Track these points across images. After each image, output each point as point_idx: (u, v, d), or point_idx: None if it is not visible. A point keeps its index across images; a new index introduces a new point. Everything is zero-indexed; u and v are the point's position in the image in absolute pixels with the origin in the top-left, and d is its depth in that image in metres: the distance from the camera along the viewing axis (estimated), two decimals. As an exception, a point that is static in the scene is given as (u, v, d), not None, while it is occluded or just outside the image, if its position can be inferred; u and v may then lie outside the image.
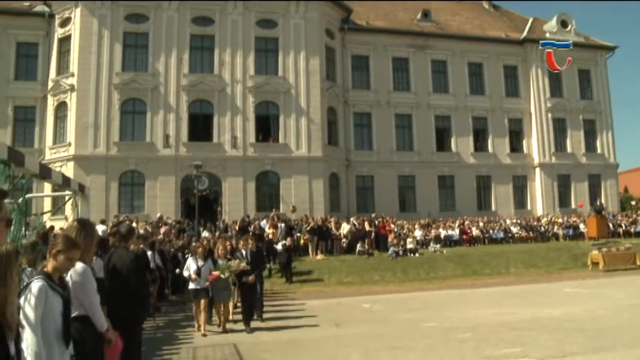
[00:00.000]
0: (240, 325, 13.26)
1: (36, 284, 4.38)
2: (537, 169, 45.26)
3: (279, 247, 24.07)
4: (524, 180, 45.51)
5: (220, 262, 13.18)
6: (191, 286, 12.94)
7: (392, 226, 33.58)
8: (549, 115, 45.92)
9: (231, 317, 13.89)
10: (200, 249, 13.37)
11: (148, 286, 11.46)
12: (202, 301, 12.74)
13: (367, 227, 31.92)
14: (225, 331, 12.75)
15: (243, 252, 13.99)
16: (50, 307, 4.41)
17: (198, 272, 12.80)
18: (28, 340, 4.32)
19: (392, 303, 17.08)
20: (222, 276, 12.72)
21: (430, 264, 26.33)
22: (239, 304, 14.69)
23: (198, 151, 35.41)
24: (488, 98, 45.07)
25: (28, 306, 4.31)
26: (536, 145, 45.41)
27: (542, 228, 39.34)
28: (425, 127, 43.52)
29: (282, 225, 29.36)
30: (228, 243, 15.66)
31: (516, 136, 46.00)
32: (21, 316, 4.29)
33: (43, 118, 37.86)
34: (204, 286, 12.76)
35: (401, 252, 29.15)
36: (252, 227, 27.46)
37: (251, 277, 13.34)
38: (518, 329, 11.78)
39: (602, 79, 48.49)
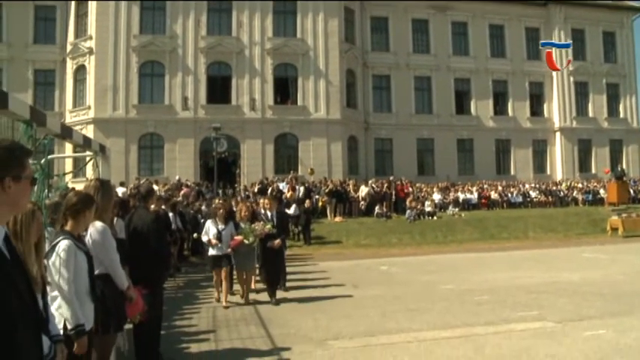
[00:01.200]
0: (263, 296, 12.07)
1: (63, 243, 4.49)
2: (558, 134, 44.80)
3: (291, 210, 23.72)
4: (544, 144, 45.08)
5: (243, 225, 11.76)
6: (211, 252, 11.69)
7: (410, 189, 33.56)
8: (571, 78, 45.23)
9: (253, 286, 12.66)
10: (221, 211, 11.85)
11: (169, 246, 11.60)
12: (224, 270, 11.48)
13: (385, 190, 31.93)
14: (248, 302, 11.54)
15: (269, 214, 12.36)
16: (78, 265, 4.53)
17: (218, 237, 11.47)
18: (62, 298, 4.46)
19: (409, 265, 17.19)
20: (245, 241, 11.35)
21: (448, 227, 26.37)
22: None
23: (216, 114, 35.45)
24: (509, 61, 44.44)
25: (58, 265, 4.42)
26: (557, 109, 44.86)
27: (562, 193, 39.08)
28: (444, 90, 43.11)
29: (301, 187, 29.44)
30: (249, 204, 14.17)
31: (537, 100, 45.46)
32: (54, 276, 4.42)
33: (63, 81, 38.03)
34: (225, 252, 11.51)
35: (419, 215, 29.17)
36: (271, 189, 27.55)
37: (277, 242, 11.81)
38: (535, 293, 11.82)
39: (627, 41, 47.53)
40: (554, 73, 43.68)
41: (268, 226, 11.64)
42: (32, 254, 3.41)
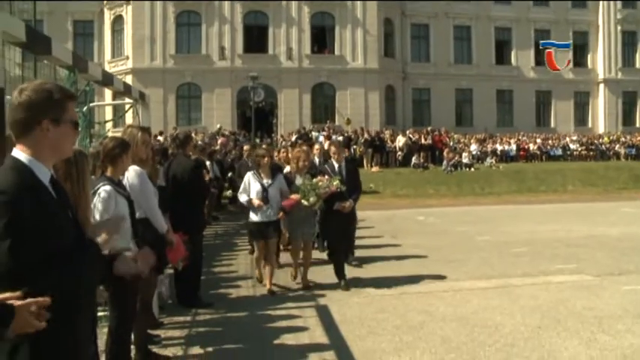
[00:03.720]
0: (320, 276, 9.07)
1: (104, 188, 4.59)
2: (601, 85, 43.65)
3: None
4: (586, 96, 44.06)
5: (299, 179, 8.73)
6: (253, 217, 8.35)
7: (447, 139, 33.28)
8: (619, 27, 43.70)
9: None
10: (266, 159, 8.41)
11: (208, 193, 11.47)
12: (271, 242, 8.45)
13: (423, 140, 31.73)
14: (308, 286, 8.60)
15: (335, 165, 8.77)
16: (119, 209, 4.62)
17: (264, 196, 8.20)
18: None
19: (446, 216, 17.14)
20: (304, 202, 8.25)
21: (485, 179, 26.14)
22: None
23: (253, 63, 35.38)
24: (552, 9, 43.12)
25: (101, 210, 4.53)
26: (601, 60, 43.59)
27: (603, 146, 38.29)
28: (484, 40, 42.23)
29: (340, 137, 29.38)
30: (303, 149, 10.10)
31: (580, 50, 44.21)
32: (97, 218, 4.53)
33: (101, 32, 38.29)
34: (272, 217, 8.31)
35: (456, 166, 28.96)
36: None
37: (348, 203, 8.49)
38: (573, 246, 11.72)
39: (678, -13, 45.60)
40: (600, 22, 42.31)
41: (336, 181, 8.32)
42: (85, 196, 3.49)
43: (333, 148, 9.20)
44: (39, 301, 1.99)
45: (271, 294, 8.21)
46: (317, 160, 10.81)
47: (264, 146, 11.55)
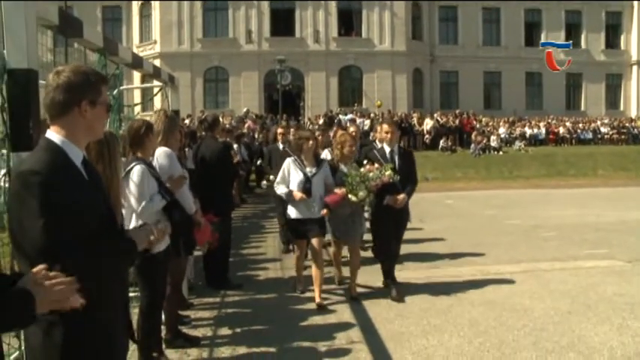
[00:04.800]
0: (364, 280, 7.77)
1: (137, 168, 4.67)
2: (635, 67, 42.74)
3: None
4: (618, 79, 43.22)
5: (344, 168, 7.09)
6: (292, 213, 7.03)
7: (475, 122, 32.98)
8: (654, 7, 42.61)
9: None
10: (311, 142, 7.04)
11: (237, 175, 11.47)
12: (315, 240, 6.93)
13: (450, 123, 31.51)
14: (355, 296, 7.10)
15: (387, 149, 7.36)
16: (151, 189, 4.69)
17: (307, 187, 6.86)
18: (135, 220, 4.66)
19: (475, 200, 17.04)
20: (351, 197, 6.75)
21: (514, 162, 25.89)
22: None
23: (280, 46, 35.32)
24: (585, -10, 42.21)
25: (133, 188, 4.60)
26: (635, 41, 42.62)
27: (636, 130, 37.56)
28: (513, 21, 41.60)
29: (367, 121, 29.27)
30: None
31: (613, 31, 43.29)
32: (130, 200, 4.60)
33: (129, 17, 38.51)
34: (316, 214, 6.90)
35: (484, 149, 28.72)
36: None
37: (402, 196, 7.02)
38: (604, 231, 11.57)
39: None
40: (635, 3, 41.30)
41: (388, 170, 6.79)
42: (116, 177, 3.54)
43: (386, 127, 7.60)
44: (64, 281, 2.02)
45: (320, 307, 6.73)
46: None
47: (318, 126, 9.85)
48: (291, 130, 11.36)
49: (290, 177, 6.93)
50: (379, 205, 7.08)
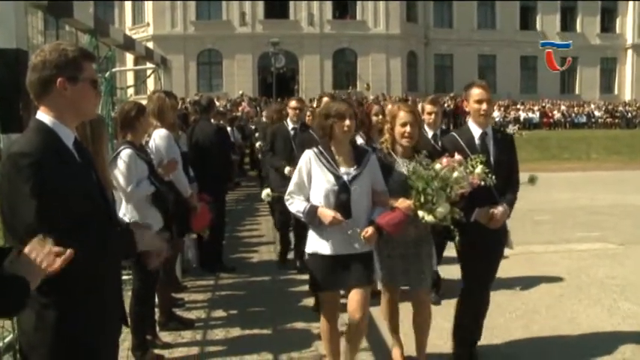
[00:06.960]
0: None
1: (124, 152, 4.63)
2: (629, 51, 42.69)
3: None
4: (613, 63, 43.18)
5: (402, 164, 4.23)
6: (318, 246, 3.98)
7: (470, 106, 32.94)
8: (650, -9, 42.52)
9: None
10: (347, 122, 3.90)
11: (230, 158, 11.42)
12: (358, 295, 3.94)
13: (446, 107, 31.46)
14: None
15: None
16: (139, 173, 4.66)
17: (343, 200, 3.89)
18: (125, 204, 4.66)
19: (467, 184, 17.05)
20: (422, 215, 3.93)
21: (508, 146, 25.87)
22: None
23: (274, 29, 35.11)
24: (580, -27, 42.06)
25: (119, 172, 4.57)
26: (630, 25, 42.53)
27: (630, 114, 37.59)
28: (508, 4, 41.46)
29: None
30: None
31: (609, 15, 43.16)
32: (119, 182, 4.58)
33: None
34: (361, 248, 3.92)
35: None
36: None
37: (500, 210, 4.45)
38: (597, 214, 11.62)
39: None
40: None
41: (479, 167, 4.10)
42: (100, 159, 3.51)
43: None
44: (58, 251, 1.99)
45: None
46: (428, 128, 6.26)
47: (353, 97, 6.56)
48: (323, 98, 7.81)
49: (312, 182, 4.01)
50: (469, 226, 4.20)
